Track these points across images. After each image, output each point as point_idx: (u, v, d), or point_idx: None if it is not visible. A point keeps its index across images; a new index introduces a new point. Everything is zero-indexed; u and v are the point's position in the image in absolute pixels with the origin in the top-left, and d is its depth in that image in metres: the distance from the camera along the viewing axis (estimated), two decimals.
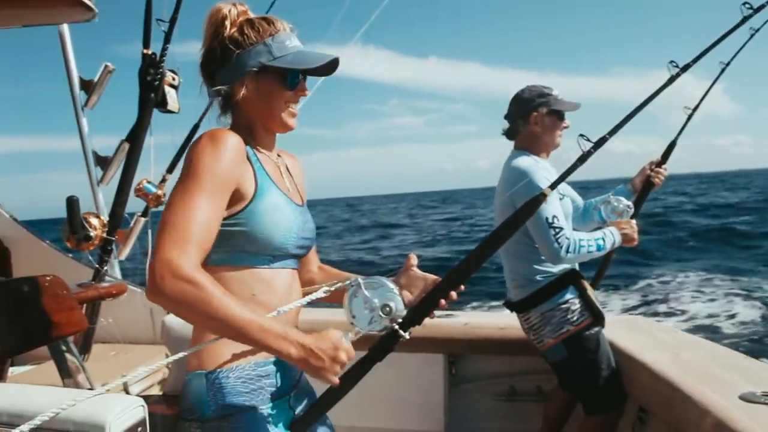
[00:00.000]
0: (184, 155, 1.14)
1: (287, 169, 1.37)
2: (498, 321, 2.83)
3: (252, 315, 1.03)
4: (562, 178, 1.46)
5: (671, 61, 1.62)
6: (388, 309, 1.16)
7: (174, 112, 2.98)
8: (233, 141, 1.15)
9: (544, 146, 2.39)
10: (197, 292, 0.99)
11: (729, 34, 1.83)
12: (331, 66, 1.29)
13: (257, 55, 1.21)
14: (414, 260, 1.35)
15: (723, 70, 2.50)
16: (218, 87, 1.25)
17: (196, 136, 3.14)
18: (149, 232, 2.96)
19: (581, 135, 1.45)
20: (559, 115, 2.37)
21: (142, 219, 2.88)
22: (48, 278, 1.67)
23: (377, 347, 1.21)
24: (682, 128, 2.60)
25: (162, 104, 2.87)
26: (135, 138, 2.52)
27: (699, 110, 2.55)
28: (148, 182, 2.99)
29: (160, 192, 3.01)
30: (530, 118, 2.36)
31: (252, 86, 1.23)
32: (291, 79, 1.24)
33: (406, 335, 1.18)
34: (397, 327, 1.17)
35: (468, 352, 2.87)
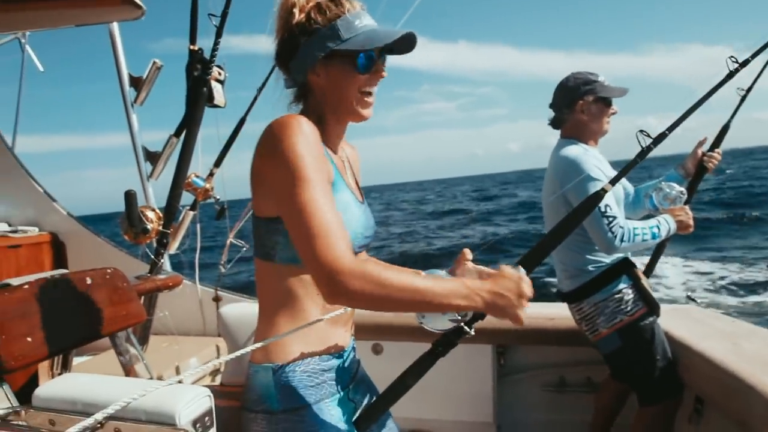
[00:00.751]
0: (265, 148, 1.09)
1: (348, 161, 1.35)
2: (547, 311, 2.78)
3: (428, 282, 1.03)
4: (622, 174, 1.43)
5: (731, 57, 1.57)
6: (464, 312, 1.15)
7: (220, 106, 3.02)
8: (312, 128, 1.10)
9: (592, 134, 2.34)
10: (373, 282, 0.98)
11: None
12: (408, 42, 1.21)
13: (324, 40, 1.15)
14: (469, 255, 1.32)
15: None
16: (291, 77, 1.22)
17: (242, 129, 3.22)
18: (198, 225, 3.02)
19: (641, 131, 1.41)
20: (606, 102, 2.31)
21: (191, 212, 2.93)
22: (109, 271, 1.72)
23: (441, 342, 1.20)
24: (736, 111, 2.49)
25: (209, 99, 2.90)
26: (187, 133, 2.55)
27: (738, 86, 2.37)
28: (197, 176, 3.05)
29: (208, 186, 3.06)
30: (576, 107, 2.31)
31: (323, 73, 1.18)
32: (361, 62, 1.16)
33: (472, 331, 1.17)
34: (463, 324, 1.16)
35: (516, 343, 2.84)
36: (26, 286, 1.48)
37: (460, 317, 1.15)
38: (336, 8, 1.17)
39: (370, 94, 1.21)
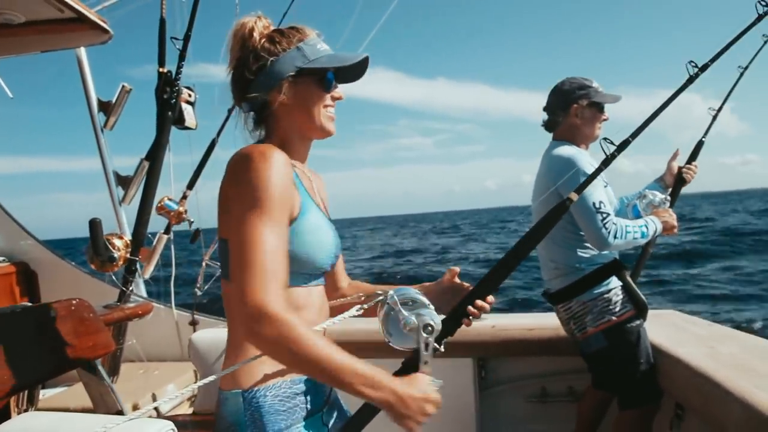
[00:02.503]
0: (232, 176, 1.10)
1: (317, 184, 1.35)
2: (526, 322, 2.78)
3: (345, 357, 1.02)
4: (588, 182, 1.43)
5: (690, 61, 1.59)
6: (430, 328, 1.14)
7: (191, 128, 3.00)
8: (282, 158, 1.11)
9: (584, 138, 2.38)
10: (292, 336, 0.97)
11: (746, 32, 1.82)
12: (361, 67, 1.27)
13: (292, 60, 1.20)
14: (457, 270, 1.34)
15: (742, 74, 2.53)
16: (253, 95, 1.22)
17: (214, 152, 3.20)
18: (172, 248, 2.98)
19: (605, 138, 1.42)
20: (599, 108, 2.36)
21: (165, 236, 2.89)
22: (74, 302, 1.68)
23: (413, 359, 1.19)
24: (708, 128, 2.63)
25: (179, 121, 2.88)
26: (154, 156, 2.52)
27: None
28: (170, 199, 3.01)
29: (181, 209, 3.03)
30: (571, 110, 2.36)
31: (289, 92, 1.21)
32: (328, 81, 1.22)
33: (441, 348, 1.17)
34: (431, 340, 1.15)
35: (497, 355, 2.83)
36: None
37: (426, 335, 1.14)
38: (297, 33, 1.23)
39: (332, 111, 1.26)
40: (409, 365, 1.18)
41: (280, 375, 1.16)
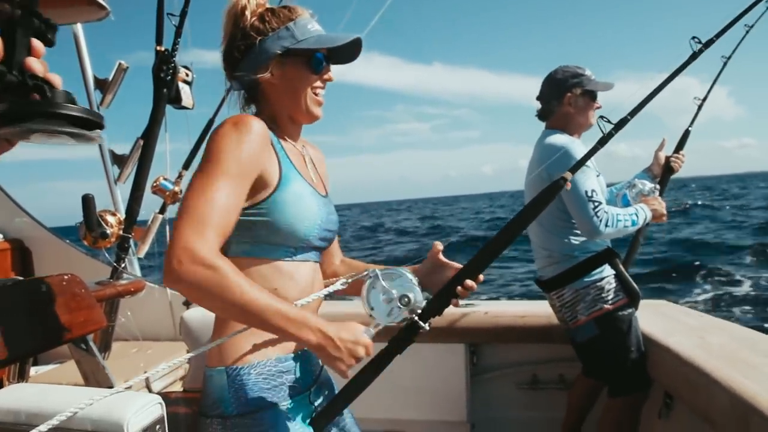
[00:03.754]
0: (206, 141, 1.11)
1: (311, 159, 1.35)
2: (519, 309, 2.79)
3: (272, 300, 1.01)
4: (584, 161, 1.42)
5: (693, 37, 1.56)
6: (406, 300, 1.13)
7: (188, 108, 2.97)
8: (258, 126, 1.12)
9: (577, 126, 2.39)
10: (216, 277, 0.96)
11: (750, 8, 1.78)
12: (353, 49, 1.26)
13: (280, 40, 1.20)
14: (440, 246, 1.32)
15: (725, 64, 2.58)
16: (241, 73, 1.22)
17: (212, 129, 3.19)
18: (167, 228, 2.96)
19: (601, 117, 1.41)
20: (591, 96, 2.37)
21: (160, 216, 2.88)
22: (66, 277, 1.67)
23: (397, 339, 1.19)
24: (694, 117, 2.67)
25: (176, 100, 2.85)
26: (149, 134, 2.51)
27: (705, 113, 2.67)
28: (165, 179, 2.99)
29: (176, 189, 3.01)
30: (564, 99, 2.36)
31: (277, 72, 1.21)
32: (316, 63, 1.21)
33: (426, 326, 1.16)
34: (416, 318, 1.15)
35: (489, 341, 2.84)
36: None
37: (408, 309, 1.14)
38: (288, 12, 1.23)
39: (320, 94, 1.25)
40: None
41: (265, 352, 1.17)
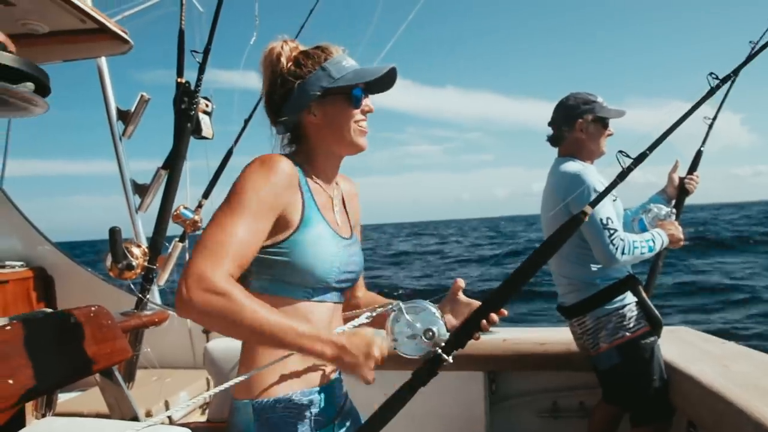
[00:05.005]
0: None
1: (342, 199, 1.37)
2: (538, 336, 2.78)
3: (284, 319, 1.04)
4: (602, 195, 1.43)
5: (711, 73, 1.58)
6: (430, 333, 1.15)
7: (208, 138, 3.04)
8: (285, 166, 1.15)
9: (589, 153, 2.39)
10: (226, 303, 0.98)
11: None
12: (390, 78, 1.29)
13: (318, 81, 1.23)
14: (461, 284, 1.33)
15: (732, 83, 2.50)
16: (284, 118, 1.26)
17: (230, 161, 3.24)
18: (187, 256, 3.00)
19: (620, 151, 1.42)
20: (603, 123, 2.37)
21: (180, 244, 2.93)
22: (93, 309, 1.70)
23: (421, 371, 1.20)
24: (706, 137, 2.64)
25: (197, 131, 2.93)
26: (173, 166, 2.57)
27: (718, 141, 2.60)
28: (185, 208, 3.04)
29: (197, 217, 3.06)
30: (576, 125, 2.37)
31: (318, 112, 1.24)
32: (355, 98, 1.24)
33: (450, 359, 1.17)
34: (440, 351, 1.16)
35: (508, 369, 2.82)
36: (8, 327, 1.46)
37: (432, 342, 1.15)
38: (322, 52, 1.26)
39: (364, 125, 1.28)
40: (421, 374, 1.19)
41: (290, 386, 1.18)
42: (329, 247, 1.21)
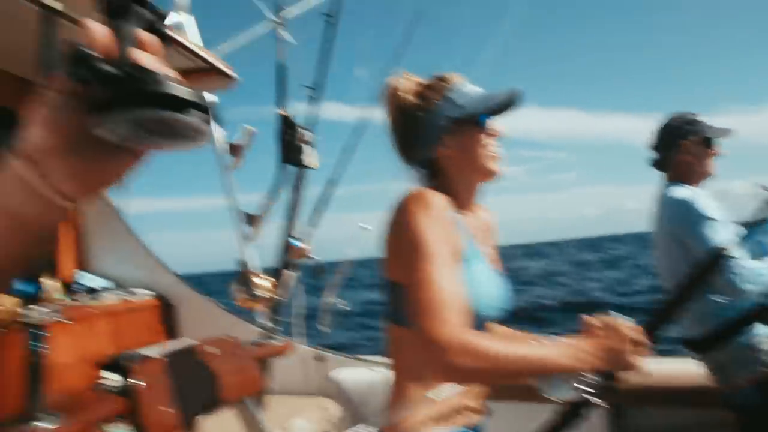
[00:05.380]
0: (394, 222, 1.13)
1: (486, 228, 1.34)
2: (669, 368, 2.60)
3: (535, 349, 1.02)
4: (749, 230, 1.34)
5: None
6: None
7: (313, 167, 3.14)
8: (440, 200, 1.12)
9: (697, 176, 2.25)
10: (484, 361, 0.96)
11: None
12: (514, 99, 1.24)
13: (445, 112, 1.21)
14: (593, 322, 1.29)
15: None
16: (418, 156, 1.25)
17: (336, 191, 3.31)
18: (301, 285, 3.09)
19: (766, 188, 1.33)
20: (708, 143, 2.23)
21: (293, 274, 3.02)
22: (231, 340, 1.77)
23: (567, 413, 1.16)
24: None
25: (300, 161, 3.03)
26: (292, 198, 2.65)
27: None
28: (292, 237, 3.14)
29: (304, 246, 3.14)
30: (680, 148, 2.24)
31: (451, 143, 1.22)
32: (484, 123, 1.21)
33: (600, 402, 1.12)
34: (590, 395, 1.11)
35: (633, 404, 2.66)
36: (161, 357, 1.55)
37: (581, 386, 1.10)
38: (443, 83, 1.24)
39: (495, 150, 1.24)
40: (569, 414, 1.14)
41: (440, 425, 1.16)
42: (489, 285, 1.19)
